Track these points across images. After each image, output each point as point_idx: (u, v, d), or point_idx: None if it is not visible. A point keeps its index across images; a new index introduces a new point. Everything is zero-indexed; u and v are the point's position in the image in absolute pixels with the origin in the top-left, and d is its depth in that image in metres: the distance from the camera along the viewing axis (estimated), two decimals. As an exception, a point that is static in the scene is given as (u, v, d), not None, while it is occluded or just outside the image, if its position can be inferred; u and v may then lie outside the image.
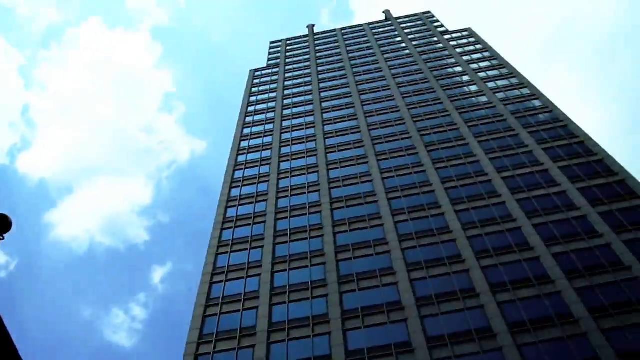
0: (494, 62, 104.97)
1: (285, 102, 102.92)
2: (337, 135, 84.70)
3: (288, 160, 79.69)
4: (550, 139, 75.46)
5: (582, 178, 64.96)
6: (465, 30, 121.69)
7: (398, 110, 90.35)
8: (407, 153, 76.24)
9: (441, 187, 66.81)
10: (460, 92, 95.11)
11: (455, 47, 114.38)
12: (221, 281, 58.01)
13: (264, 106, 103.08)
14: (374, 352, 46.46)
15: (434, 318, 48.54)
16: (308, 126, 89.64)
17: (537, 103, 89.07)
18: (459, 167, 71.13)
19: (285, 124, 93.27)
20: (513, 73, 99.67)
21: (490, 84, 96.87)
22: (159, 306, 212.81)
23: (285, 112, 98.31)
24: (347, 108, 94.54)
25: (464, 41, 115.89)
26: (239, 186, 74.79)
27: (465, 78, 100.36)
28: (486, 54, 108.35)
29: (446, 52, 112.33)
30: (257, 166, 79.81)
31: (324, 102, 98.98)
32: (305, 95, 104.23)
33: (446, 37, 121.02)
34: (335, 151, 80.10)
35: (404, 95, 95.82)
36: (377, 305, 51.08)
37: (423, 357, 44.91)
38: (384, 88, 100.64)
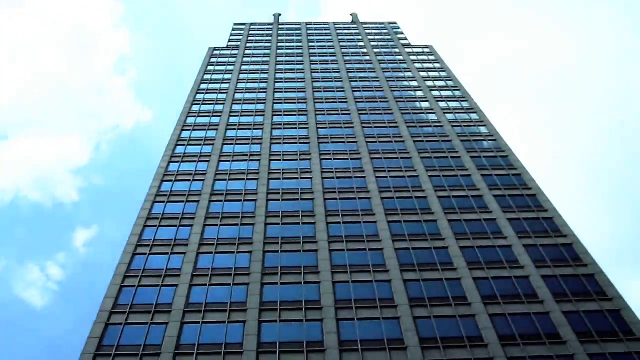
0: (449, 82, 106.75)
1: (239, 85, 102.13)
2: (285, 128, 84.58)
3: (232, 144, 79.13)
4: (490, 167, 77.23)
5: (513, 209, 66.72)
6: (427, 47, 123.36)
7: (349, 114, 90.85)
8: (350, 157, 76.78)
9: (377, 195, 67.50)
10: (411, 106, 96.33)
11: (414, 61, 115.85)
12: (144, 254, 57.11)
13: (216, 86, 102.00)
14: (288, 347, 46.58)
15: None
16: (257, 113, 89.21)
17: (483, 130, 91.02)
18: (398, 179, 72.02)
19: (235, 107, 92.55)
20: (465, 97, 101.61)
21: (442, 104, 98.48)
22: (78, 270, 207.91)
23: (237, 95, 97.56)
24: (299, 102, 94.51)
25: (424, 57, 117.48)
26: (178, 161, 73.80)
27: (419, 93, 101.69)
28: (443, 74, 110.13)
29: (405, 65, 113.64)
30: (200, 144, 78.94)
31: (277, 92, 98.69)
32: (260, 82, 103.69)
33: (407, 50, 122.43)
34: (280, 143, 79.97)
35: (357, 100, 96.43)
36: (294, 301, 51.24)
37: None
38: (339, 89, 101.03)
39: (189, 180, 68.89)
